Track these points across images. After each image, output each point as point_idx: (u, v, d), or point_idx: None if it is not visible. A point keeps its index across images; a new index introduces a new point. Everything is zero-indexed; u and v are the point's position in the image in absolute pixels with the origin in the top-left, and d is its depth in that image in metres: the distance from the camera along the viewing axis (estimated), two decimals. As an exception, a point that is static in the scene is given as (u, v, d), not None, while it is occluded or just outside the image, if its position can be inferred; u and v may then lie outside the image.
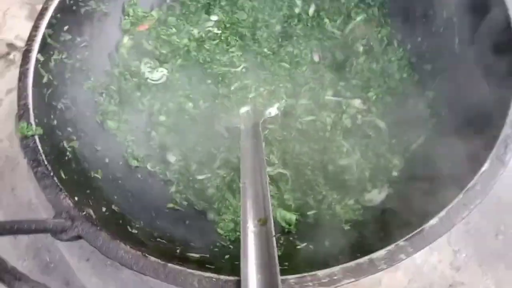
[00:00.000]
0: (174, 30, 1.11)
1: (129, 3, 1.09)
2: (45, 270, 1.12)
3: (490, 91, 0.78)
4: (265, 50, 1.09)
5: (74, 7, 0.96)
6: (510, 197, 1.00)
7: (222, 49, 1.10)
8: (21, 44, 1.66)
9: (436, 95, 0.93)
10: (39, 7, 1.71)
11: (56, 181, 0.74)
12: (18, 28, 1.69)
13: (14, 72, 1.51)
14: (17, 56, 1.64)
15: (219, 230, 0.90)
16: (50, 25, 0.91)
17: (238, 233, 0.88)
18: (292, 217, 0.90)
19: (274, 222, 0.81)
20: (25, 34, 1.67)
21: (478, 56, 0.84)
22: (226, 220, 0.91)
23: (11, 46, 1.65)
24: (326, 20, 1.10)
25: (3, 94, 1.41)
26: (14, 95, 1.39)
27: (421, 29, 1.01)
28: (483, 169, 0.68)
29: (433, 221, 0.65)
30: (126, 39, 1.10)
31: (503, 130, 0.69)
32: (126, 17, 1.09)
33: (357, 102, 1.01)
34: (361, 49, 1.07)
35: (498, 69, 0.77)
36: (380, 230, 0.77)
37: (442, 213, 0.65)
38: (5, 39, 1.66)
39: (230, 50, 1.10)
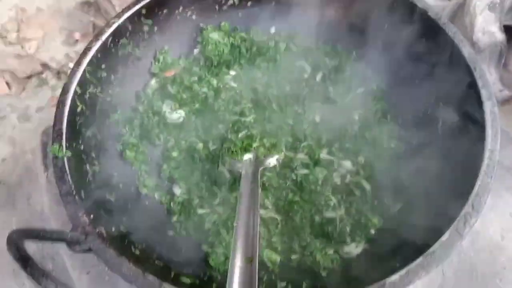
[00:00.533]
0: (196, 78, 1.26)
1: (160, 51, 1.24)
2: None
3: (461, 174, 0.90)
4: (274, 106, 1.22)
5: (113, 50, 1.10)
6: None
7: (236, 100, 1.23)
8: (54, 65, 1.81)
9: (416, 168, 1.05)
10: (75, 34, 1.89)
11: (77, 199, 0.85)
12: (54, 51, 1.83)
13: (46, 91, 1.65)
14: (49, 76, 1.79)
15: (210, 261, 0.99)
16: (90, 63, 1.04)
17: (227, 267, 0.97)
18: (277, 258, 1.00)
19: (260, 261, 0.93)
20: (59, 57, 1.86)
21: (453, 146, 0.98)
22: (218, 253, 1.00)
23: (45, 66, 1.80)
24: (330, 88, 1.24)
25: (33, 110, 1.54)
26: (43, 113, 1.55)
27: (410, 108, 1.15)
28: (442, 239, 0.79)
29: (394, 277, 0.76)
30: (153, 81, 1.24)
31: (464, 208, 0.81)
32: (156, 62, 1.24)
33: (347, 163, 1.12)
34: (357, 117, 1.19)
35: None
36: (351, 280, 0.88)
37: (403, 272, 0.76)
38: (41, 59, 1.81)
39: (243, 101, 1.23)
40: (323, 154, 1.14)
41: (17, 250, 0.61)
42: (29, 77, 1.78)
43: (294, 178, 1.11)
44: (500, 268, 1.13)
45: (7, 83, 1.73)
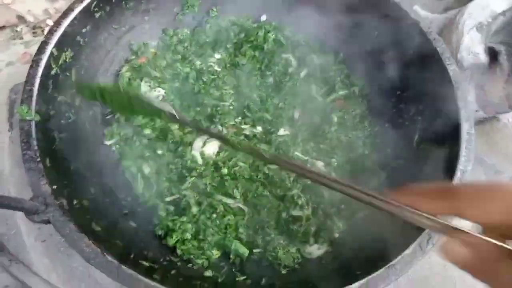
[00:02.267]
0: (179, 57, 1.22)
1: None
2: (-3, 241, 1.17)
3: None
4: (254, 95, 1.20)
5: (96, 16, 1.06)
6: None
7: (217, 84, 1.21)
8: (30, 19, 1.73)
9: (387, 177, 1.06)
10: (56, -11, 1.79)
11: (41, 167, 0.81)
12: (32, 4, 1.75)
13: (18, 46, 1.57)
14: (24, 30, 1.70)
15: (178, 250, 0.98)
16: (70, 24, 0.99)
17: (192, 255, 0.97)
18: (245, 251, 1.00)
19: (227, 251, 0.93)
20: (37, 11, 1.77)
21: (426, 162, 0.99)
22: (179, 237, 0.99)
23: (21, 18, 1.71)
24: (313, 86, 1.23)
25: (3, 64, 1.46)
26: (13, 68, 1.47)
27: (389, 117, 1.16)
28: (406, 252, 0.80)
29: (353, 286, 0.76)
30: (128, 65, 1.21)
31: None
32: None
33: (320, 164, 1.12)
34: (335, 119, 1.19)
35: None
36: (310, 282, 0.89)
37: (363, 281, 0.77)
38: (17, 10, 1.72)
39: (224, 87, 1.20)
40: (297, 152, 1.13)
41: (-29, 217, 0.57)
42: (1, 27, 1.68)
43: (266, 171, 1.10)
44: (451, 284, 1.17)
45: (-22, 31, 1.64)
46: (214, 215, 1.03)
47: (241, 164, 1.11)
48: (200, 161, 1.11)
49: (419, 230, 0.83)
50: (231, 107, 1.19)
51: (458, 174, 0.89)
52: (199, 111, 1.18)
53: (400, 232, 0.87)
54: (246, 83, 1.22)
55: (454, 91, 0.99)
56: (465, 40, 1.44)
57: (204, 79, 1.20)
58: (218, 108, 1.17)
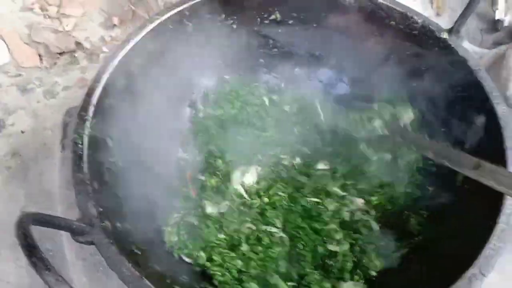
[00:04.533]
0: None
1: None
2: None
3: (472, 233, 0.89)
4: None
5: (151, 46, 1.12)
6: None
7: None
8: (87, 46, 1.84)
9: (429, 218, 1.03)
10: (114, 18, 1.91)
11: (90, 190, 0.86)
12: (90, 31, 1.86)
13: (75, 71, 1.67)
14: (81, 56, 1.81)
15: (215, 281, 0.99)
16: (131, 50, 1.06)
17: (228, 285, 0.98)
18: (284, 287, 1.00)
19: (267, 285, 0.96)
20: (94, 38, 1.88)
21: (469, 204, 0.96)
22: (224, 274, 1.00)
23: (79, 45, 1.83)
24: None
25: (60, 88, 1.56)
26: (69, 92, 1.57)
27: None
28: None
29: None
30: None
31: (469, 270, 0.80)
32: None
33: (360, 201, 1.11)
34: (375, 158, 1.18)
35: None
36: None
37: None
38: (76, 37, 1.83)
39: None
40: (336, 188, 1.13)
41: (24, 236, 0.61)
42: (61, 53, 1.80)
43: (305, 204, 1.10)
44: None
45: (40, 56, 1.76)
46: (260, 248, 1.04)
47: (280, 193, 1.12)
48: (245, 194, 1.12)
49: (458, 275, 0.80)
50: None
51: (503, 218, 0.85)
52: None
53: (439, 276, 0.85)
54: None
55: (501, 132, 0.96)
56: (515, 77, 1.41)
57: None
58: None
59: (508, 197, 0.87)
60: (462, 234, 0.92)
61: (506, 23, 1.88)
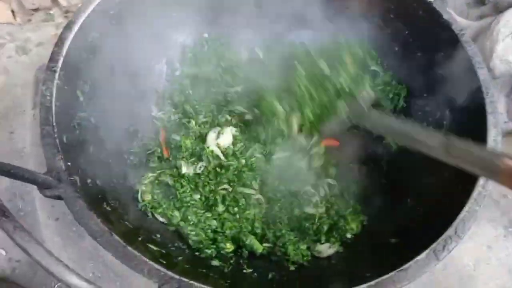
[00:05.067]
0: None
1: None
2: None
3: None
4: None
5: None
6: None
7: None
8: (64, 3, 1.76)
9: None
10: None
11: (57, 142, 0.82)
12: (66, -12, 1.77)
13: (50, 27, 1.59)
14: (57, 13, 1.73)
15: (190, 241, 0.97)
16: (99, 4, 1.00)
17: (202, 244, 0.96)
18: (259, 248, 0.99)
19: (242, 245, 0.94)
20: (71, -5, 1.78)
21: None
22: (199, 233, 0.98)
23: (54, 1, 1.74)
24: None
25: (33, 44, 1.49)
26: (42, 49, 1.50)
27: (414, 119, 1.13)
28: (418, 257, 0.77)
29: (362, 287, 0.74)
30: None
31: (446, 231, 0.79)
32: None
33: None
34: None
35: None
36: (317, 280, 0.86)
37: (372, 283, 0.74)
38: (52, -6, 1.74)
39: None
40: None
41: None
42: (36, 10, 1.72)
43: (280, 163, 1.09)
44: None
45: (13, 12, 1.68)
46: (236, 209, 1.03)
47: (257, 155, 1.10)
48: (221, 156, 1.10)
49: (435, 236, 0.80)
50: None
51: (480, 182, 0.85)
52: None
53: (412, 239, 0.85)
54: None
55: (482, 96, 0.94)
56: (499, 48, 1.39)
57: None
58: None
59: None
60: (440, 196, 0.91)
61: (492, -3, 1.86)
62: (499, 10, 1.63)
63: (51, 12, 1.74)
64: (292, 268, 0.96)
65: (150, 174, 1.06)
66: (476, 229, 1.21)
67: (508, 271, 1.18)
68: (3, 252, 1.15)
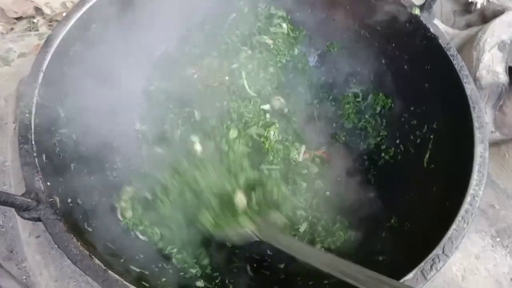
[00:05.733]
0: None
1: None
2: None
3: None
4: None
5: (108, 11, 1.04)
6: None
7: None
8: (48, 11, 1.73)
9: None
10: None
11: (37, 162, 0.79)
12: (50, -3, 1.74)
13: (33, 37, 1.57)
14: (40, 22, 1.71)
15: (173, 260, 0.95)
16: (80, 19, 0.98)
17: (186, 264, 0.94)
18: None
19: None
20: (55, 4, 1.77)
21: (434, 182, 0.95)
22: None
23: (38, 10, 1.72)
24: None
25: (15, 55, 1.46)
26: (24, 59, 1.47)
27: (400, 133, 1.13)
28: (406, 277, 0.76)
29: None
30: None
31: (434, 250, 0.79)
32: None
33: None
34: None
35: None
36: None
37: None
38: (35, 2, 1.72)
39: None
40: None
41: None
42: (18, 18, 1.69)
43: None
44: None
45: (-5, 21, 1.65)
46: None
47: None
48: None
49: (422, 255, 0.79)
50: None
51: (468, 198, 0.84)
52: None
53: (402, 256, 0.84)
54: None
55: (469, 111, 0.94)
56: (486, 58, 1.40)
57: None
58: None
59: (473, 178, 0.86)
60: (427, 212, 0.91)
61: (478, 6, 1.87)
62: (485, 19, 1.64)
63: (35, 20, 1.71)
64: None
65: (128, 188, 1.03)
66: (464, 240, 1.20)
67: (496, 282, 1.18)
68: (-17, 270, 1.12)
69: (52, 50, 0.92)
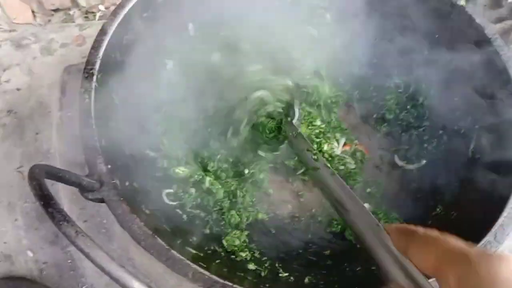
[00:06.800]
0: None
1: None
2: (41, 216, 1.19)
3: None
4: None
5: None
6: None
7: None
8: (83, 3, 1.76)
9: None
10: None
11: (98, 146, 0.82)
12: (86, -12, 1.76)
13: (72, 28, 1.59)
14: (76, 13, 1.74)
15: (224, 242, 0.98)
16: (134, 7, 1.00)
17: (236, 247, 0.96)
18: None
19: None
20: (89, -5, 1.78)
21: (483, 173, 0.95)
22: (233, 235, 0.99)
23: (74, 2, 1.74)
24: None
25: (57, 45, 1.49)
26: (67, 49, 1.50)
27: (444, 123, 1.13)
28: None
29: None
30: None
31: (486, 236, 0.79)
32: None
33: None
34: None
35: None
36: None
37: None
38: (72, -7, 1.74)
39: None
40: None
41: (39, 187, 0.58)
42: (55, 10, 1.72)
43: None
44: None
45: (33, 12, 1.68)
46: None
47: None
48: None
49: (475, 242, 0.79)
50: None
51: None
52: None
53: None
54: None
55: (517, 103, 0.94)
56: (520, 52, 1.39)
57: None
58: None
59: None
60: (478, 204, 0.91)
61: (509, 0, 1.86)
62: (517, 13, 1.63)
63: (71, 12, 1.74)
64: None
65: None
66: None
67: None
68: (30, 254, 1.15)
69: (108, 37, 0.94)
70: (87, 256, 0.52)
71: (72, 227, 0.53)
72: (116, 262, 0.52)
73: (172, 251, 0.74)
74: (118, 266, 0.51)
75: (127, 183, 0.87)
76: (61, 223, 0.53)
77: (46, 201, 0.55)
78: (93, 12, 1.76)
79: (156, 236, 0.75)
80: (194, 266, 0.73)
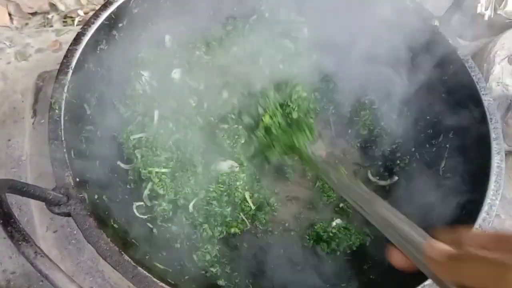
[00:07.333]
0: None
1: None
2: (9, 226, 1.16)
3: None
4: None
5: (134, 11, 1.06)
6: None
7: None
8: (62, 8, 1.73)
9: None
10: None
11: (66, 158, 0.80)
12: (65, -6, 1.74)
13: (49, 33, 1.56)
14: (54, 17, 1.71)
15: (194, 256, 0.97)
16: (108, 18, 1.00)
17: (206, 263, 0.96)
18: None
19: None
20: (69, 1, 1.76)
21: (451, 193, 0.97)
22: (204, 250, 0.98)
23: (53, 6, 1.72)
24: None
25: (32, 50, 1.46)
26: (42, 55, 1.47)
27: (416, 142, 1.15)
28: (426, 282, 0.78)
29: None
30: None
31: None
32: None
33: None
34: None
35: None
36: None
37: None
38: (51, -2, 1.72)
39: None
40: None
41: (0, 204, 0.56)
42: (33, 13, 1.70)
43: None
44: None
45: (10, 15, 1.65)
46: None
47: None
48: None
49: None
50: None
51: (485, 207, 0.87)
52: None
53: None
54: None
55: (486, 122, 0.96)
56: (495, 70, 1.43)
57: None
58: None
59: (490, 188, 0.89)
60: (442, 222, 0.93)
61: (486, 18, 1.90)
62: (493, 32, 1.67)
63: (49, 16, 1.72)
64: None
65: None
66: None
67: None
68: (-2, 264, 1.12)
69: (81, 47, 0.93)
70: (46, 277, 0.51)
71: (31, 247, 0.52)
72: (76, 284, 0.50)
73: (139, 268, 0.73)
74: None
75: (96, 196, 0.85)
76: (20, 243, 0.52)
77: (6, 219, 0.54)
78: (71, 17, 1.74)
79: (122, 253, 0.73)
80: (161, 284, 0.72)
